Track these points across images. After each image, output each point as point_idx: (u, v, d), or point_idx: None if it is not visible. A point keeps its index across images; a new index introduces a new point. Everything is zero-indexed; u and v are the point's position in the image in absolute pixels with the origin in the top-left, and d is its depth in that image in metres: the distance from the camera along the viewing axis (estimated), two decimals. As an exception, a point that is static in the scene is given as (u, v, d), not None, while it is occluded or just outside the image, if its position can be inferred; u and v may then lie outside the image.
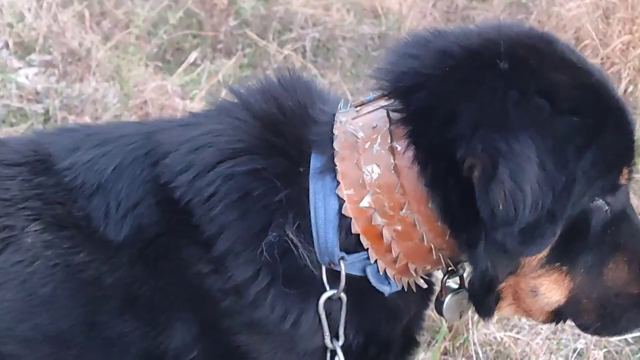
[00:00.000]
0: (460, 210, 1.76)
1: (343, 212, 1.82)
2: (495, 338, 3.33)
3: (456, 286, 1.96)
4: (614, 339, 3.46)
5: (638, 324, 1.96)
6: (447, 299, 1.95)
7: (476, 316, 3.23)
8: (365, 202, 1.81)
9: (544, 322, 1.98)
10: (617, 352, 3.46)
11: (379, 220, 1.81)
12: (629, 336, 3.43)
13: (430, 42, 1.88)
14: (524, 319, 3.45)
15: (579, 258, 1.85)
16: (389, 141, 1.81)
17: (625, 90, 5.31)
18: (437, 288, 2.02)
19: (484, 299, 1.88)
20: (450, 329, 3.32)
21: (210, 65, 5.43)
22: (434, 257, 1.85)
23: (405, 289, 1.90)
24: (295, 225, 1.82)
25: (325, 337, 1.87)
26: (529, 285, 1.86)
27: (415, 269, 1.87)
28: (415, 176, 1.79)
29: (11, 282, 1.86)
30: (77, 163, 1.95)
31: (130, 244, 1.87)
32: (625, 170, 1.83)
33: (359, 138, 1.83)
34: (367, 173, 1.81)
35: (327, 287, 1.84)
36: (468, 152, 1.69)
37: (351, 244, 1.84)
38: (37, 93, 4.70)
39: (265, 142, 1.89)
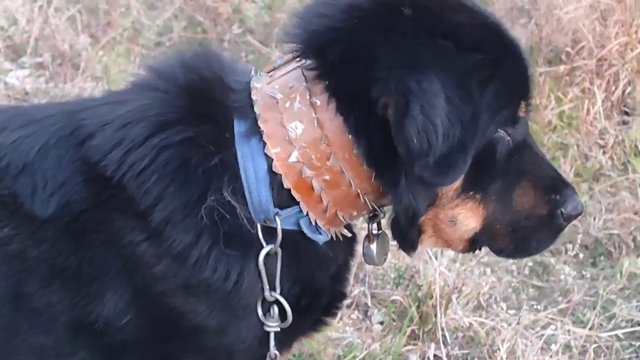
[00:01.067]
0: (382, 152, 1.84)
1: (273, 169, 1.88)
2: (464, 324, 3.28)
3: (378, 231, 2.06)
4: (603, 334, 3.45)
5: (547, 243, 2.10)
6: (375, 244, 2.06)
7: (444, 300, 3.27)
8: (294, 157, 1.88)
9: (463, 251, 2.07)
10: (607, 348, 3.40)
11: (308, 172, 1.88)
12: (620, 332, 3.43)
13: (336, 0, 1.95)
14: (492, 304, 3.42)
15: (490, 186, 1.95)
16: (308, 97, 1.88)
17: (624, 92, 5.34)
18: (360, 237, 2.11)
19: (407, 233, 1.97)
20: (419, 314, 3.29)
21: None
22: (361, 201, 1.93)
23: (334, 238, 1.97)
24: (231, 188, 1.88)
25: (265, 290, 1.92)
26: (448, 215, 1.97)
27: (343, 216, 1.95)
28: (338, 126, 1.87)
29: None
30: (2, 144, 1.97)
31: (57, 219, 1.89)
32: (523, 103, 1.96)
33: (278, 99, 1.90)
34: (291, 130, 1.88)
35: (264, 244, 1.89)
36: (383, 92, 1.80)
37: (284, 199, 1.90)
38: (26, 93, 4.76)
39: (193, 111, 1.93)
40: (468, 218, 1.97)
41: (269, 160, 1.88)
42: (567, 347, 3.33)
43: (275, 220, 1.88)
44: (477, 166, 1.88)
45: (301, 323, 2.03)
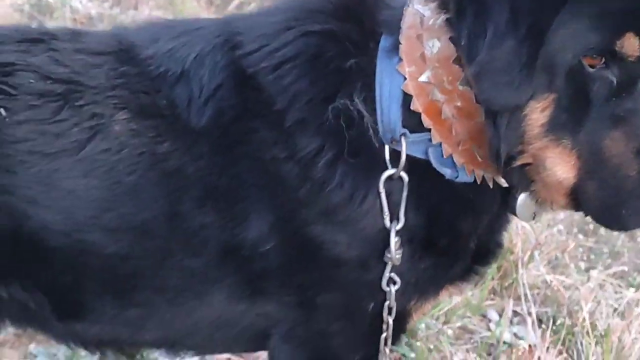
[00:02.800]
0: None
1: (403, 88, 1.81)
2: (544, 281, 3.31)
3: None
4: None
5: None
6: (521, 196, 1.90)
7: (526, 257, 3.28)
8: (424, 77, 1.80)
9: (566, 207, 1.86)
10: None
11: (438, 96, 1.79)
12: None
13: None
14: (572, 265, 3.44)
15: (581, 131, 1.71)
16: (448, 14, 1.76)
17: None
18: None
19: (512, 177, 1.82)
20: (499, 268, 3.31)
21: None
22: None
23: (479, 182, 1.87)
24: (363, 96, 1.83)
25: (385, 217, 1.85)
26: (539, 158, 1.76)
27: (482, 155, 1.81)
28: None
29: (98, 169, 1.85)
30: (159, 52, 1.95)
31: (211, 131, 1.87)
32: (631, 37, 1.65)
33: (425, 16, 1.81)
34: (428, 48, 1.80)
35: (389, 165, 1.83)
36: None
37: (414, 123, 1.82)
38: (91, 18, 4.69)
39: (342, 8, 1.90)
40: (557, 165, 1.75)
41: (403, 78, 1.81)
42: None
43: (401, 141, 1.80)
44: (567, 105, 1.68)
45: (446, 267, 1.96)
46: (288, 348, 2.02)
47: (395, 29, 1.85)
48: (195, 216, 1.88)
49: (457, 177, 1.85)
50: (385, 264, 1.89)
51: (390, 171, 1.83)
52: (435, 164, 1.83)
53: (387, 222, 1.85)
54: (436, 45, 1.79)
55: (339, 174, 1.83)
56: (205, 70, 1.90)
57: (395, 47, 1.84)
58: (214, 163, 1.87)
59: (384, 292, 1.92)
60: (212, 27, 2.00)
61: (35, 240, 1.86)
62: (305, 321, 1.97)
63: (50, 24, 4.52)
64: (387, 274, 1.90)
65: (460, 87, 1.77)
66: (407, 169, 1.83)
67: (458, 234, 1.95)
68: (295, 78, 1.85)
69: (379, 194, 1.84)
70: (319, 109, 1.83)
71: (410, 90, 1.81)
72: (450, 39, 1.76)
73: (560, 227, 3.66)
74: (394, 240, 1.86)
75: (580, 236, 3.73)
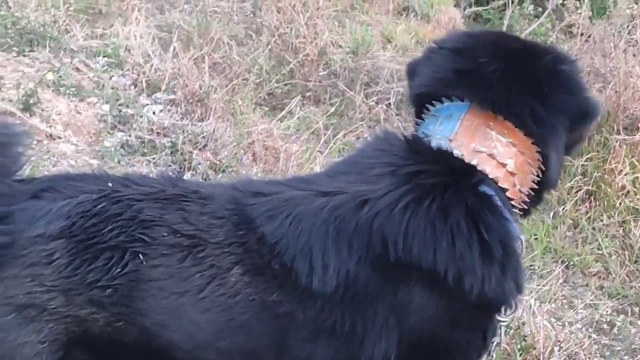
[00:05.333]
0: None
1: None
2: None
3: None
4: None
5: None
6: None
7: (547, 352, 3.72)
8: (518, 183, 2.44)
9: None
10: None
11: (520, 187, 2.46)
12: None
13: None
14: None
15: None
16: (503, 139, 2.39)
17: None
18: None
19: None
20: (524, 363, 3.74)
21: (300, 112, 5.97)
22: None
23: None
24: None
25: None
26: None
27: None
28: (531, 149, 2.43)
29: (216, 308, 2.24)
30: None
31: (331, 294, 2.27)
32: None
33: (484, 152, 2.39)
34: (508, 166, 2.40)
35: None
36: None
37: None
38: (164, 128, 5.24)
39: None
40: None
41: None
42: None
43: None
44: None
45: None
46: None
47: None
48: (304, 348, 2.29)
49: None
50: None
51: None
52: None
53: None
54: (511, 162, 2.39)
55: None
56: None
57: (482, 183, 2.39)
58: (329, 313, 2.29)
59: None
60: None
61: (163, 355, 2.29)
62: None
63: (132, 133, 5.11)
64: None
65: (529, 177, 2.45)
66: None
67: None
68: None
69: None
70: None
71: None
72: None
73: (579, 325, 4.10)
74: None
75: (596, 335, 4.17)
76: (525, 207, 2.49)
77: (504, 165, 2.37)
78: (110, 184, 2.34)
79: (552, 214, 5.38)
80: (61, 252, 2.19)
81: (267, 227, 2.33)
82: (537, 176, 2.44)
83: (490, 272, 2.29)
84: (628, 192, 5.52)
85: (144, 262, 2.24)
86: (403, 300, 2.29)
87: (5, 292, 2.15)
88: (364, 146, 2.61)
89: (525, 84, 2.40)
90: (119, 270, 2.20)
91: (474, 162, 2.38)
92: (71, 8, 6.38)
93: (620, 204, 5.44)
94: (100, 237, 2.22)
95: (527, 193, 2.45)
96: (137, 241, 2.24)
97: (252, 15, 7.22)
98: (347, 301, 2.28)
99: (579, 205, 5.50)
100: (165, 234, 2.27)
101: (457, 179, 2.34)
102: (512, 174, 2.39)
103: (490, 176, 2.37)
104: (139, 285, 2.23)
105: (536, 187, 2.47)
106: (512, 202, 2.40)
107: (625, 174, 5.57)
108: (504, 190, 2.38)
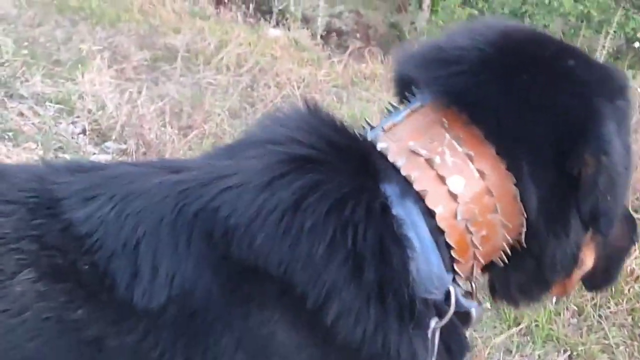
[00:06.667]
0: (554, 203, 1.72)
1: (436, 230, 1.68)
2: None
3: None
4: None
5: (619, 274, 2.13)
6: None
7: None
8: (459, 215, 1.66)
9: (570, 293, 2.05)
10: None
11: (471, 229, 1.68)
12: None
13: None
14: None
15: None
16: (459, 149, 1.67)
17: None
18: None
19: (542, 286, 1.90)
20: None
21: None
22: (493, 256, 1.78)
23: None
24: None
25: None
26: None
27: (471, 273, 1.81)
28: (500, 175, 1.68)
29: None
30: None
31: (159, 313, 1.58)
32: None
33: (422, 155, 1.68)
34: (451, 185, 1.66)
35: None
36: (587, 149, 1.68)
37: (447, 264, 1.70)
38: (178, 158, 4.81)
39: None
40: (589, 258, 1.91)
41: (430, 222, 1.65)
42: None
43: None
44: None
45: None
46: None
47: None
48: None
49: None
50: None
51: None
52: (463, 303, 1.73)
53: None
54: (460, 182, 1.66)
55: None
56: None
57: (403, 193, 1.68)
58: (156, 339, 1.57)
59: None
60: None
61: None
62: None
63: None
64: None
65: (489, 217, 1.68)
66: None
67: None
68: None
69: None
70: None
71: (446, 231, 1.66)
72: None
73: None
74: None
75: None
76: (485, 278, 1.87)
77: (443, 180, 1.67)
78: None
79: (554, 299, 4.89)
80: None
81: (78, 212, 1.61)
82: (518, 240, 1.76)
83: (370, 310, 1.58)
84: (637, 277, 5.24)
85: None
86: (258, 332, 1.56)
87: None
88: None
89: (508, 80, 1.73)
90: None
91: (398, 163, 1.68)
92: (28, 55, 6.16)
93: (629, 290, 5.14)
94: None
95: (491, 257, 1.77)
96: None
97: (249, 89, 6.92)
98: (180, 324, 1.55)
99: (584, 290, 4.98)
100: None
101: (355, 177, 1.63)
102: (454, 198, 1.67)
103: (416, 188, 1.66)
104: None
105: (522, 262, 1.81)
106: (446, 240, 1.68)
107: (635, 258, 5.21)
108: (431, 213, 1.66)
